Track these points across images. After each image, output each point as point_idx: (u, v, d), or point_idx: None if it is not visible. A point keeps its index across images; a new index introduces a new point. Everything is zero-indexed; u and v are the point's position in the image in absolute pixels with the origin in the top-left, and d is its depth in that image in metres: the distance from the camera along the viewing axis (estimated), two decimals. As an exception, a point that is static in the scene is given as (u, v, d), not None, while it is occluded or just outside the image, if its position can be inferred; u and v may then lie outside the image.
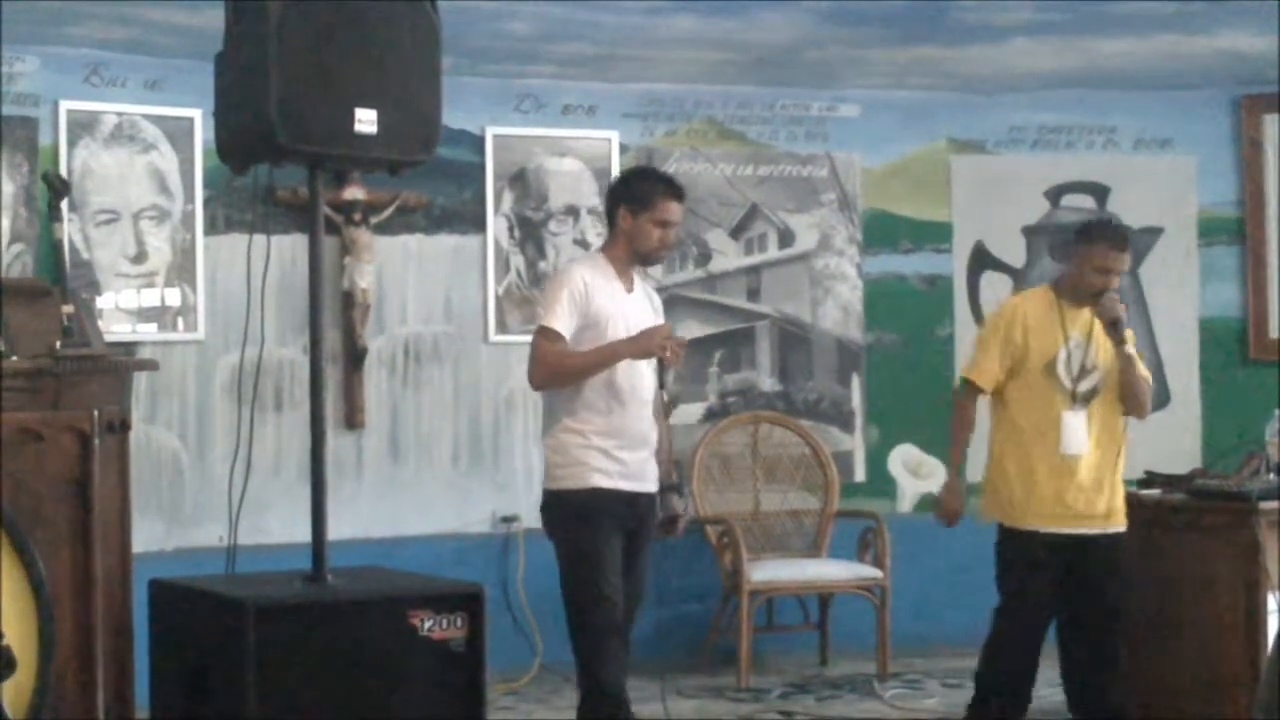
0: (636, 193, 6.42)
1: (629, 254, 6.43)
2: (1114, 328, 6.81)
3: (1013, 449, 6.95)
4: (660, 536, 6.53)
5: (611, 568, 6.24)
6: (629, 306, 6.40)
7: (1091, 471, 6.85)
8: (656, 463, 6.50)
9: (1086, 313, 6.92)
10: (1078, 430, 6.84)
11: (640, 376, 6.33)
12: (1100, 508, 6.87)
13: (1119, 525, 6.94)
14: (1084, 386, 6.87)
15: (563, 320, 6.27)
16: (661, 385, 6.32)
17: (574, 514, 6.30)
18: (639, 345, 6.24)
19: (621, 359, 6.26)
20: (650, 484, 6.39)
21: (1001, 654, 7.01)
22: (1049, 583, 6.90)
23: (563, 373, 6.31)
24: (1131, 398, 6.91)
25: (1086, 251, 6.92)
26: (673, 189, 6.44)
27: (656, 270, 9.30)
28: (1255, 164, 9.88)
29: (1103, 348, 6.89)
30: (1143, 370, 6.96)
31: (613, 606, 6.20)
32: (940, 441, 9.62)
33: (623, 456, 6.29)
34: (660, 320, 6.54)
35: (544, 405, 6.50)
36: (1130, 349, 6.89)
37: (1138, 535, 7.28)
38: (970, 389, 7.05)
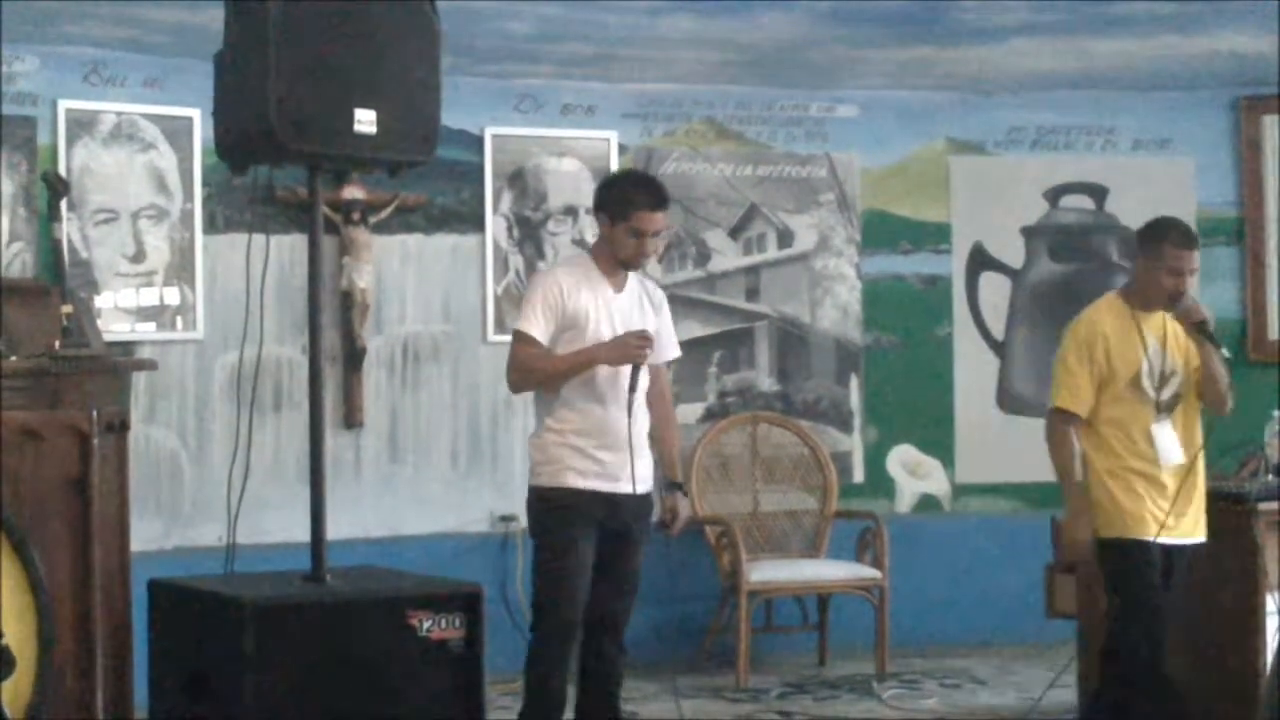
0: (613, 201, 6.44)
1: (611, 258, 6.45)
2: (1201, 330, 6.56)
3: (1106, 462, 6.62)
4: (664, 534, 6.53)
5: (577, 569, 6.29)
6: (618, 305, 6.41)
7: (1180, 479, 6.60)
8: (662, 460, 6.51)
9: (1157, 316, 6.67)
10: (1170, 439, 6.60)
11: (625, 376, 6.33)
12: (1189, 516, 6.65)
13: (1202, 535, 6.72)
14: (1167, 394, 6.64)
15: (536, 324, 6.33)
16: (632, 388, 6.30)
17: (547, 512, 6.37)
18: (613, 352, 6.29)
19: (597, 364, 6.30)
20: (636, 484, 6.38)
21: (1129, 667, 6.61)
22: (1158, 589, 6.61)
23: (534, 377, 6.40)
24: (1217, 395, 6.66)
25: (1154, 253, 6.61)
26: (652, 198, 6.43)
27: (655, 269, 9.30)
28: (1254, 165, 9.88)
29: (1176, 350, 6.67)
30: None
31: (571, 607, 6.25)
32: (937, 441, 9.67)
33: (601, 456, 6.32)
34: (659, 317, 6.55)
35: (533, 409, 6.55)
36: (1224, 350, 6.62)
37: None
38: (1065, 418, 6.68)
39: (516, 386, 6.51)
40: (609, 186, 6.59)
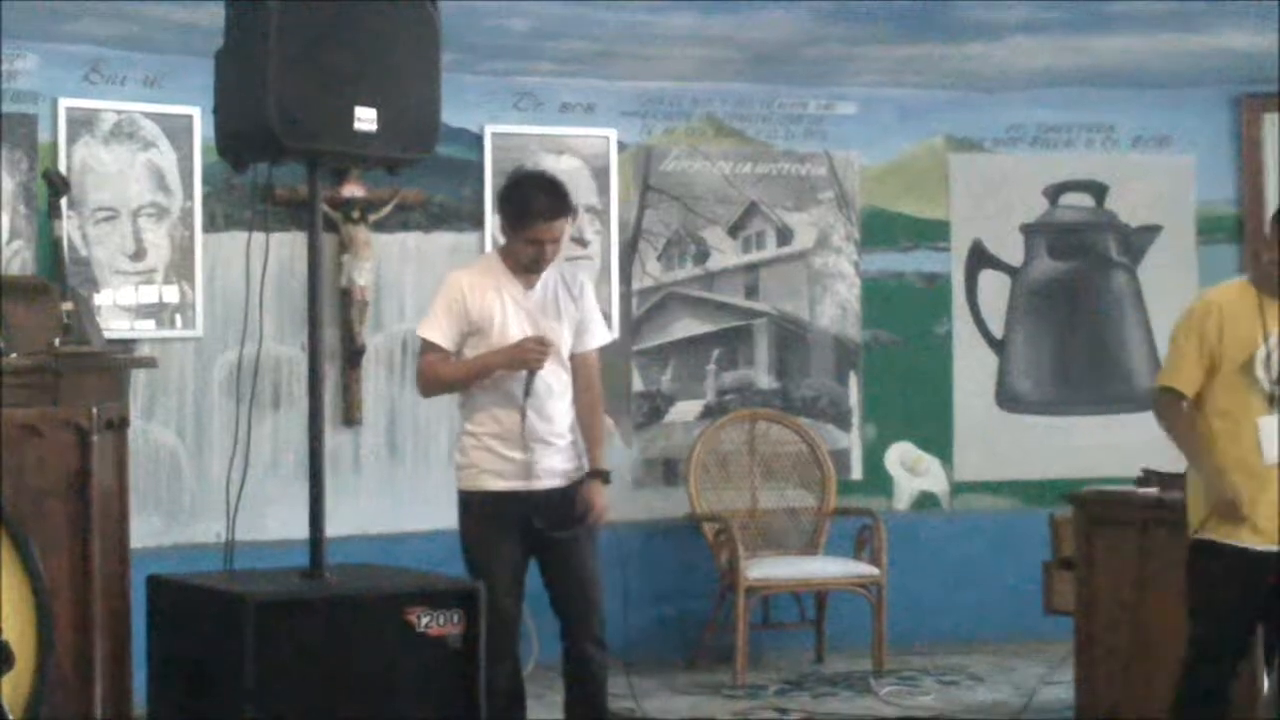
0: (511, 209, 6.44)
1: (513, 260, 6.46)
2: None
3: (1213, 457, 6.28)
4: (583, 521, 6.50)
5: (500, 567, 6.34)
6: (529, 305, 6.41)
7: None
8: (585, 448, 6.51)
9: None
10: (1274, 436, 6.20)
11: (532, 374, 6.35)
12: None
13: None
14: None
15: (438, 330, 6.40)
16: (527, 393, 6.32)
17: (468, 516, 6.47)
18: (509, 358, 6.32)
19: (492, 371, 6.34)
20: (554, 479, 6.42)
21: (1194, 673, 6.35)
22: (1243, 598, 6.24)
23: (438, 383, 6.52)
24: None
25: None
26: (550, 208, 6.38)
27: (654, 268, 9.32)
28: (1254, 163, 9.89)
29: None
30: None
31: (494, 611, 6.14)
32: (936, 439, 9.69)
33: (515, 456, 6.36)
34: (580, 305, 6.53)
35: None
36: None
37: (1132, 534, 7.30)
38: (1172, 397, 6.36)
39: (424, 392, 6.65)
40: (508, 191, 6.55)
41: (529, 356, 6.29)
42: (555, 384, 6.42)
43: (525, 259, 6.40)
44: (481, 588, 5.97)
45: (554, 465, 6.42)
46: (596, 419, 6.65)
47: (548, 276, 6.49)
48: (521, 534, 6.38)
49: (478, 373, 6.35)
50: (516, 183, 6.64)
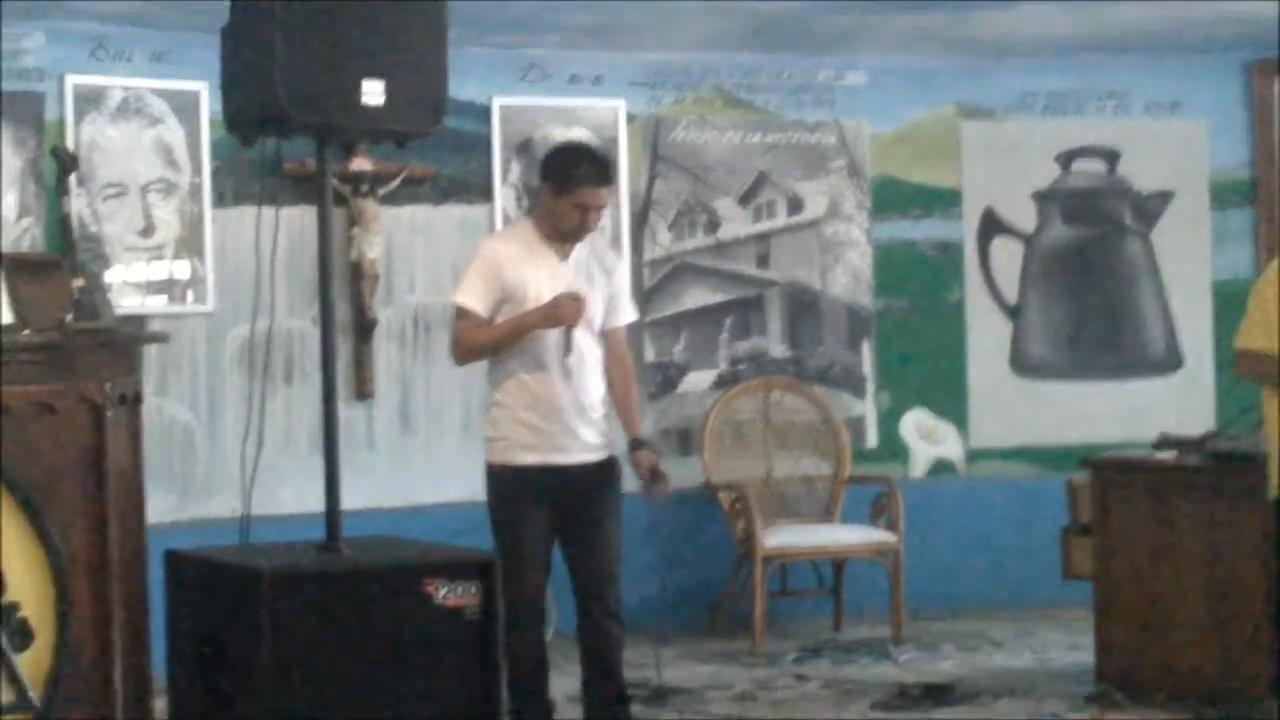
0: (559, 174, 6.39)
1: (551, 228, 6.41)
2: None
3: None
4: (652, 495, 6.49)
5: (529, 541, 6.31)
6: (563, 274, 6.36)
7: None
8: (623, 421, 6.50)
9: None
10: None
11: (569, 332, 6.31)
12: None
13: None
14: None
15: (473, 295, 6.32)
16: (567, 349, 6.29)
17: (497, 491, 6.40)
18: (545, 315, 6.25)
19: (530, 330, 6.27)
20: (587, 453, 6.38)
21: None
22: None
23: (474, 348, 6.40)
24: None
25: None
26: (597, 174, 6.38)
27: (664, 238, 9.30)
28: (1266, 127, 9.86)
29: None
30: None
31: (528, 579, 6.28)
32: (951, 406, 9.67)
33: (546, 428, 6.31)
34: (612, 281, 6.51)
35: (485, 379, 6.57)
36: None
37: (1149, 498, 7.29)
38: (1257, 355, 6.25)
39: (459, 360, 6.53)
40: (555, 157, 6.53)
41: (564, 312, 6.22)
42: (588, 354, 6.38)
43: (569, 225, 6.35)
44: (498, 559, 5.99)
45: (588, 438, 6.37)
46: (633, 391, 6.64)
47: (580, 248, 6.45)
48: (551, 508, 6.33)
49: (514, 332, 6.26)
50: (561, 150, 6.68)
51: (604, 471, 6.43)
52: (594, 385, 6.41)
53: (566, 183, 6.33)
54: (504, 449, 6.36)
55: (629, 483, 6.60)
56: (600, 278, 6.47)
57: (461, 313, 6.35)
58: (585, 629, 6.49)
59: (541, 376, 6.30)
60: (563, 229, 6.37)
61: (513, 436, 6.33)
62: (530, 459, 6.31)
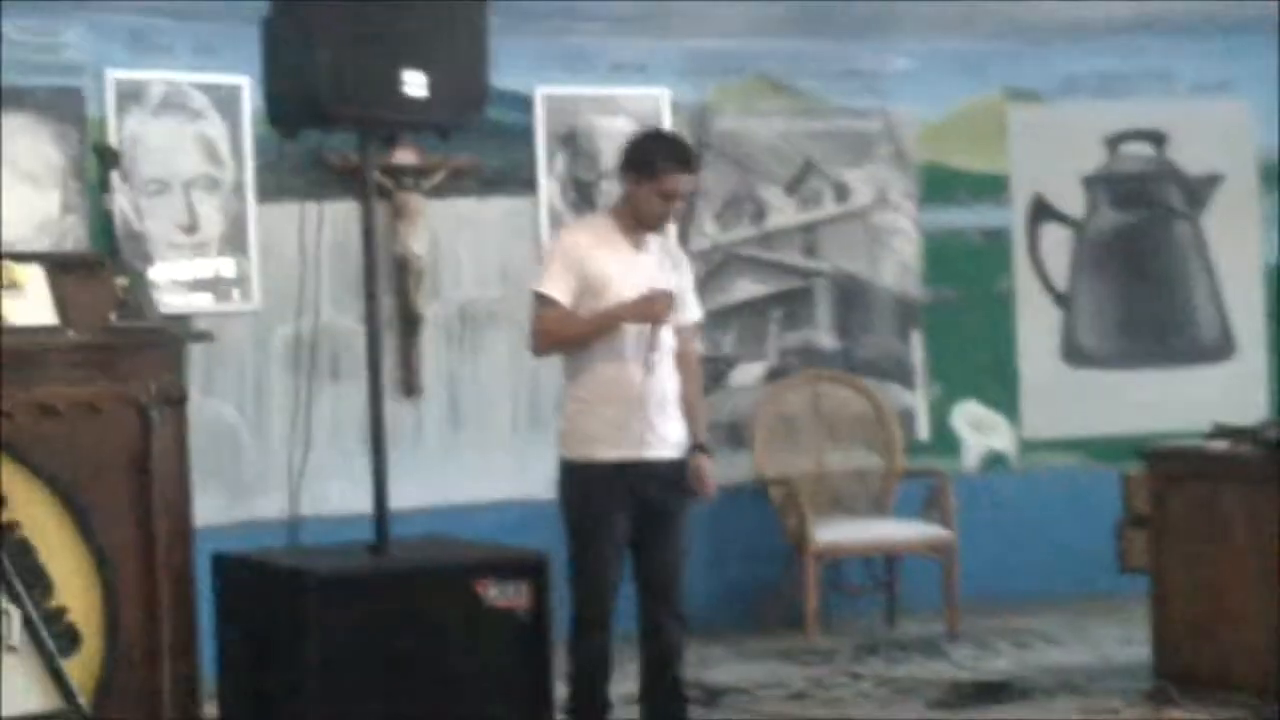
0: (642, 160, 6.30)
1: (633, 218, 6.33)
2: None
3: None
4: (696, 494, 6.42)
5: (609, 543, 6.20)
6: (641, 265, 6.28)
7: None
8: (687, 422, 6.40)
9: None
10: None
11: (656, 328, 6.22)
12: None
13: None
14: None
15: (556, 284, 6.21)
16: (652, 347, 6.19)
17: (574, 486, 6.28)
18: (638, 311, 6.16)
19: (619, 323, 6.18)
20: (667, 449, 6.29)
21: None
22: None
23: (561, 340, 6.28)
24: None
25: None
26: (681, 160, 6.31)
27: (711, 228, 9.23)
28: (1314, 107, 9.76)
29: None
30: None
31: (602, 584, 6.18)
32: (1002, 397, 9.59)
33: (630, 423, 6.20)
34: (681, 278, 6.43)
35: (561, 373, 6.44)
36: None
37: (1205, 489, 7.20)
38: None
39: (540, 350, 6.39)
40: (636, 144, 6.44)
41: (656, 309, 6.14)
42: (667, 350, 6.30)
43: (651, 214, 6.27)
44: (548, 557, 5.92)
45: (666, 434, 6.27)
46: (699, 392, 6.58)
47: (654, 242, 6.37)
48: (628, 507, 6.22)
49: (602, 326, 6.17)
50: (643, 137, 6.57)
51: (680, 469, 6.34)
52: (672, 381, 6.33)
53: (649, 170, 6.24)
54: (583, 443, 6.24)
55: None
56: (671, 272, 6.39)
57: (544, 301, 6.22)
58: (647, 628, 6.38)
59: (623, 370, 6.19)
60: (645, 218, 6.29)
61: (593, 431, 6.21)
62: (611, 454, 6.20)
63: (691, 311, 6.52)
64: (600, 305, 6.20)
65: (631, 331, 6.19)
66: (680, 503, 6.35)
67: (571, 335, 6.23)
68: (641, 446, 6.22)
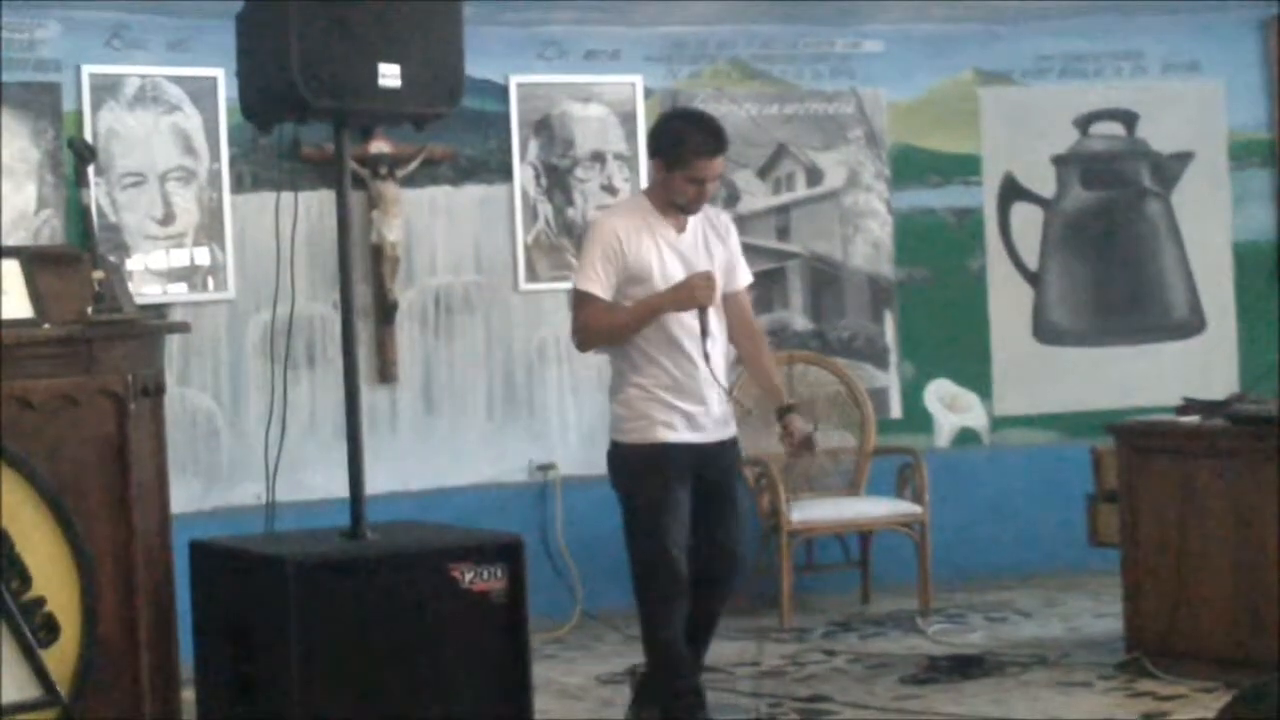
0: (668, 146, 6.26)
1: (666, 202, 6.32)
2: None
3: None
4: (796, 457, 6.39)
5: (675, 523, 6.16)
6: (682, 247, 6.27)
7: None
8: (764, 388, 6.48)
9: None
10: None
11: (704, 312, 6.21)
12: None
13: None
14: None
15: (597, 281, 6.17)
16: (704, 333, 6.19)
17: (638, 468, 6.23)
18: (679, 299, 6.14)
19: (663, 313, 6.17)
20: (721, 430, 6.30)
21: None
22: None
23: (604, 334, 6.25)
24: None
25: None
26: (710, 144, 6.24)
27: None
28: (1286, 85, 9.81)
29: None
30: None
31: (675, 562, 6.13)
32: (974, 375, 9.65)
33: (688, 408, 6.21)
34: (728, 245, 6.42)
35: (611, 364, 6.40)
36: None
37: (1175, 464, 7.26)
38: None
39: (583, 346, 6.36)
40: (663, 129, 6.39)
41: (699, 294, 6.13)
42: (718, 331, 6.30)
43: (684, 199, 6.24)
44: (523, 540, 5.95)
45: (720, 415, 6.30)
46: (765, 355, 6.59)
47: (694, 219, 6.33)
48: (689, 488, 6.23)
49: (646, 316, 6.15)
50: (670, 120, 6.51)
51: (734, 448, 6.38)
52: (723, 360, 6.33)
53: (678, 156, 6.20)
54: (645, 427, 6.20)
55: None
56: (716, 244, 6.36)
57: (585, 298, 6.20)
58: (698, 605, 6.36)
59: (677, 355, 6.19)
60: (678, 203, 6.26)
61: (654, 415, 6.19)
62: (672, 437, 6.19)
63: (744, 275, 6.50)
64: (644, 292, 6.18)
65: (680, 317, 6.17)
66: (733, 483, 6.37)
67: (616, 329, 6.21)
68: (700, 430, 6.24)
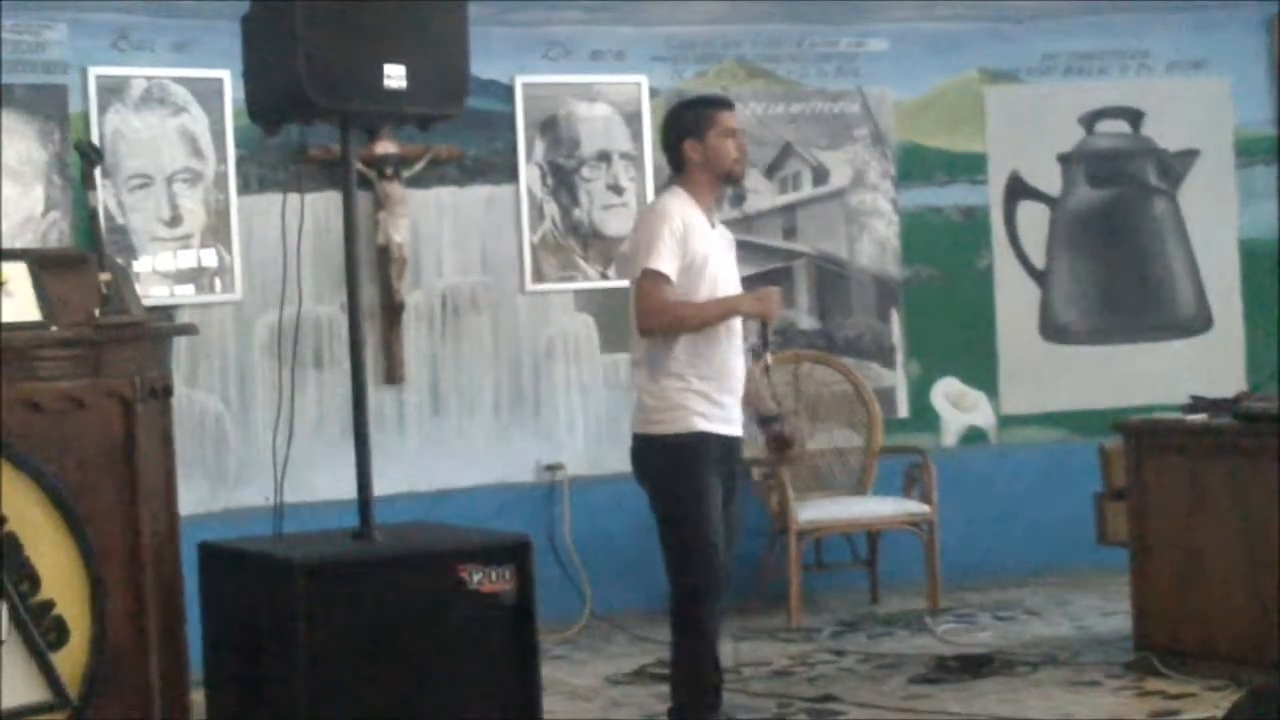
0: (691, 121, 6.26)
1: (711, 182, 6.26)
2: None
3: None
4: (775, 460, 6.43)
5: (714, 513, 6.13)
6: (715, 243, 6.27)
7: None
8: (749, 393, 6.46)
9: None
10: None
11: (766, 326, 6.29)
12: None
13: None
14: None
15: (667, 260, 6.06)
16: (765, 345, 6.24)
17: (675, 459, 6.15)
18: (759, 307, 6.18)
19: (738, 316, 6.19)
20: (740, 427, 6.32)
21: None
22: None
23: (678, 324, 6.12)
24: None
25: None
26: (721, 99, 6.43)
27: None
28: (1290, 83, 9.81)
29: None
30: None
31: (715, 553, 6.10)
32: (981, 373, 9.65)
33: (723, 400, 6.19)
34: (730, 254, 6.42)
35: (641, 353, 6.25)
36: None
37: (1182, 461, 7.26)
38: None
39: (652, 329, 6.14)
40: (679, 113, 6.38)
41: (771, 309, 6.20)
42: (738, 328, 6.34)
43: (728, 159, 6.22)
44: (531, 540, 5.95)
45: (738, 413, 6.30)
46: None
47: (714, 217, 6.36)
48: (722, 479, 6.21)
49: (723, 316, 6.14)
50: (677, 106, 6.53)
51: (741, 447, 6.39)
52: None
53: (704, 120, 6.22)
54: (683, 417, 6.13)
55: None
56: (728, 249, 6.40)
57: (659, 278, 6.07)
58: None
59: (717, 350, 6.16)
60: (724, 167, 6.23)
61: (690, 405, 6.12)
62: (709, 427, 6.15)
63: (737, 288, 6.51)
64: (700, 284, 6.13)
65: (746, 322, 6.25)
66: (738, 482, 6.39)
67: (689, 320, 6.12)
68: (730, 424, 6.23)
